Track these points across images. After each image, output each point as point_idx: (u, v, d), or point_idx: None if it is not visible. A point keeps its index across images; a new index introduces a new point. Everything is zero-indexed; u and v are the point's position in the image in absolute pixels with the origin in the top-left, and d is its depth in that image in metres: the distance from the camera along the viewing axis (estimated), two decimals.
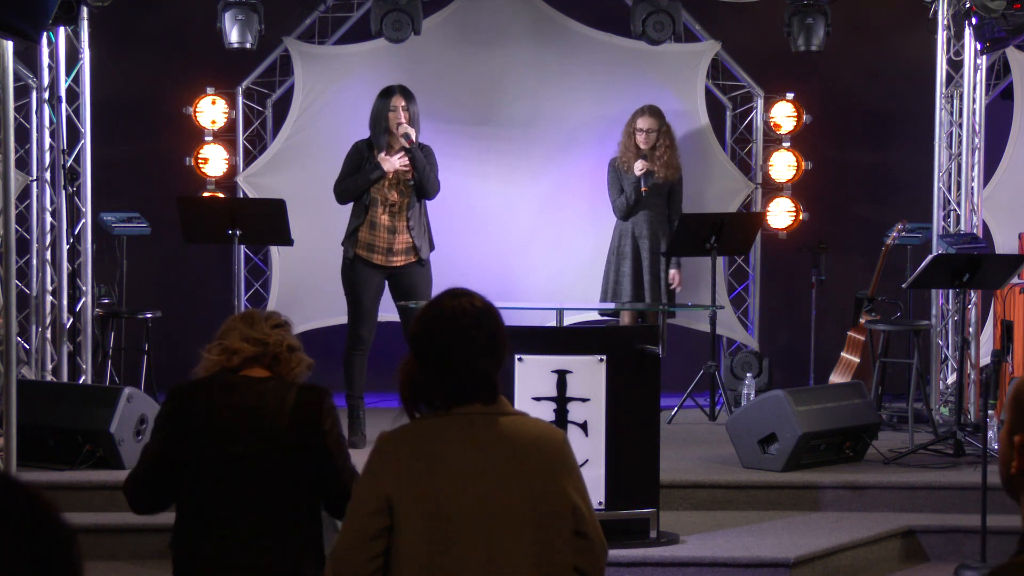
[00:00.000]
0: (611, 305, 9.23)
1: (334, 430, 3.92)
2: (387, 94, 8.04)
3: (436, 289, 8.12)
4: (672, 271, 9.35)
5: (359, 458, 8.63)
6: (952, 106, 9.40)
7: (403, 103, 7.96)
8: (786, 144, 10.34)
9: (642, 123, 9.21)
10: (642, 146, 9.20)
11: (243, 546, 3.84)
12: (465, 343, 3.23)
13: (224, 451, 3.84)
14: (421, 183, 7.92)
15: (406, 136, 7.89)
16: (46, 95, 8.71)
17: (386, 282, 8.04)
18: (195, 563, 3.87)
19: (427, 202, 8.10)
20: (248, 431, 3.84)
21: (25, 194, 9.11)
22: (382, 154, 7.97)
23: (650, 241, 9.17)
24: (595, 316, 9.85)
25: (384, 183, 7.96)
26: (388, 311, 8.09)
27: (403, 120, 7.92)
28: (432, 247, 8.10)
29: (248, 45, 9.40)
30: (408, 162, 7.93)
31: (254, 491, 3.85)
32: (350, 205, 8.09)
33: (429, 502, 3.18)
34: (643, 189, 9.11)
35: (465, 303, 3.26)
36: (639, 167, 9.12)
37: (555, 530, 3.24)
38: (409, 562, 3.18)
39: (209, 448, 3.85)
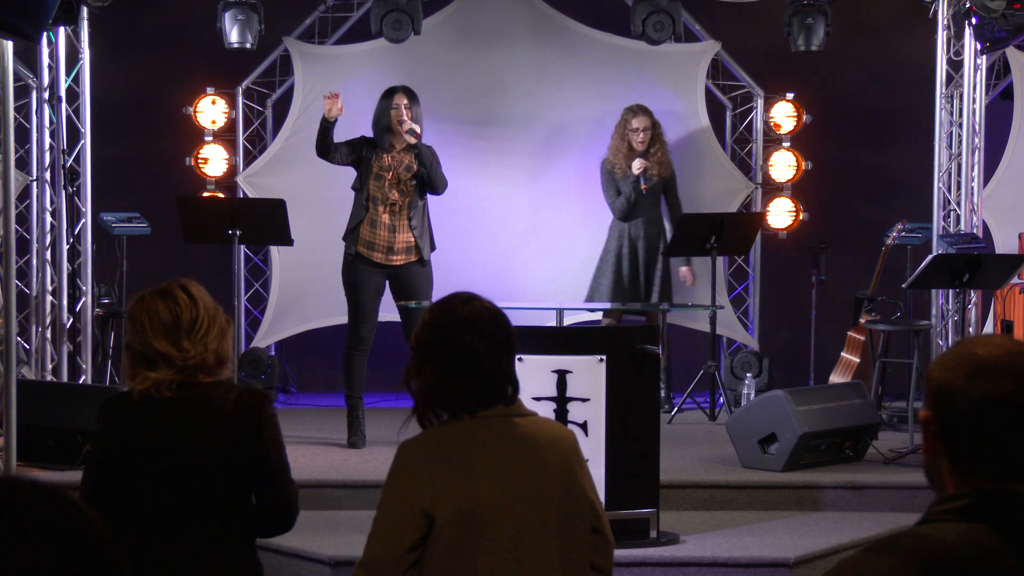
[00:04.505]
0: (609, 305, 9.21)
1: (275, 438, 3.70)
2: (390, 94, 8.03)
3: (436, 289, 8.15)
4: (684, 268, 9.36)
5: (359, 458, 8.56)
6: (952, 106, 9.40)
7: (405, 101, 7.94)
8: (786, 144, 10.33)
9: (637, 123, 9.20)
10: (638, 146, 9.19)
11: (185, 560, 3.65)
12: (488, 346, 3.24)
13: (163, 465, 3.65)
14: (430, 178, 7.89)
15: (411, 132, 7.85)
16: (46, 95, 8.71)
17: (386, 281, 8.03)
18: None
19: (429, 200, 8.09)
20: (187, 442, 3.64)
21: (25, 194, 9.11)
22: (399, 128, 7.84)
23: (648, 242, 9.17)
24: (598, 316, 9.84)
25: (385, 182, 7.94)
26: (388, 311, 8.08)
27: (405, 117, 7.89)
28: (433, 247, 8.09)
29: (248, 45, 9.39)
30: (410, 130, 7.82)
31: (195, 504, 3.66)
32: (350, 204, 8.07)
33: (465, 508, 3.18)
34: (643, 187, 9.11)
35: (480, 307, 3.28)
36: (637, 166, 9.12)
37: (577, 528, 3.29)
38: (438, 567, 3.18)
39: (147, 464, 3.65)
